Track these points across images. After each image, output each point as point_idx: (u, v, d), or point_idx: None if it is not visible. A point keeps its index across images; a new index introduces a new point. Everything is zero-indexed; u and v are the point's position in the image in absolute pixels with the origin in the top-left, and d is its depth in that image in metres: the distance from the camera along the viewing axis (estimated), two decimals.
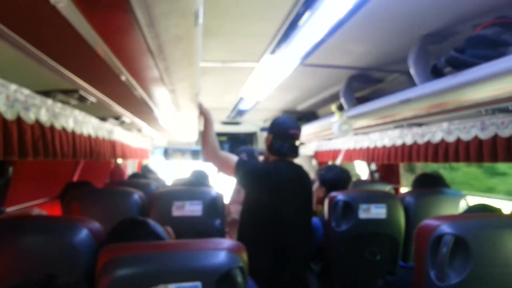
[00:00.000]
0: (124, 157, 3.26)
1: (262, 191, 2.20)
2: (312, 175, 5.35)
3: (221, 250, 1.25)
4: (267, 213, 2.18)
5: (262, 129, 2.72)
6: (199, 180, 2.95)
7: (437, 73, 1.73)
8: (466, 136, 2.26)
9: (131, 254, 1.22)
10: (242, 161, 2.29)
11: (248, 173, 2.25)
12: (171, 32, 0.93)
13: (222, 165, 2.35)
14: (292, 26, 1.82)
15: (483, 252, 1.41)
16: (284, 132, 2.29)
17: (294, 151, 2.33)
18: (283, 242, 2.18)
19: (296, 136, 2.32)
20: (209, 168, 5.37)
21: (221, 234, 2.37)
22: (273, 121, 2.41)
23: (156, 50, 1.08)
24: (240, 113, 4.75)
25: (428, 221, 1.53)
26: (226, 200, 2.55)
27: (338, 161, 4.00)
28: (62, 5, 0.77)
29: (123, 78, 1.45)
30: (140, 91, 1.78)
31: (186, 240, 1.33)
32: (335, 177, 2.62)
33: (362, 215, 2.27)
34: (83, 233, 1.41)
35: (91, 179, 3.08)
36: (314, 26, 1.81)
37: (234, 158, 2.32)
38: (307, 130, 3.88)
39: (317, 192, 2.68)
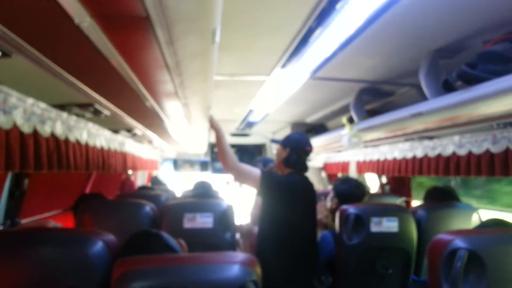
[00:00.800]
0: (134, 168, 3.29)
1: (283, 201, 2.33)
2: (321, 187, 5.34)
3: (235, 264, 1.26)
4: (285, 222, 2.31)
5: (272, 141, 2.75)
6: (208, 191, 2.96)
7: (448, 87, 1.73)
8: (477, 150, 2.26)
9: (146, 267, 1.23)
10: (266, 173, 2.40)
11: (273, 184, 2.34)
12: (189, 50, 0.96)
13: (245, 177, 2.39)
14: (303, 41, 1.84)
15: (497, 267, 1.40)
16: (301, 148, 2.46)
17: (306, 166, 2.50)
18: (297, 248, 2.32)
19: (310, 153, 2.51)
20: (214, 180, 5.40)
21: (232, 246, 2.38)
22: (290, 136, 2.55)
23: (173, 66, 1.10)
24: (250, 125, 4.77)
25: (442, 236, 1.53)
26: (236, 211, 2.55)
27: (353, 174, 3.97)
28: (86, 24, 0.79)
29: (138, 92, 1.48)
30: (153, 104, 1.81)
31: (199, 253, 1.34)
32: (348, 190, 2.61)
33: (374, 228, 2.26)
34: (98, 246, 1.42)
35: (103, 191, 3.11)
36: (325, 41, 1.83)
37: (256, 169, 2.41)
38: (317, 142, 3.88)
39: (330, 203, 2.68)
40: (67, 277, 1.38)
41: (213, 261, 1.28)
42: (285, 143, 2.50)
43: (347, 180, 2.72)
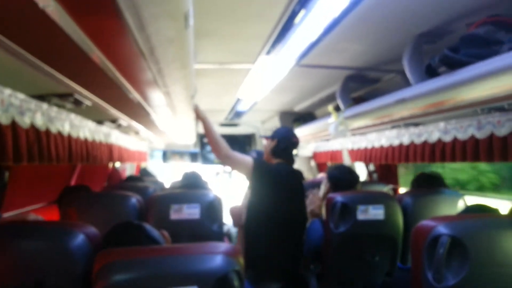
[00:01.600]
0: (121, 160, 3.25)
1: (272, 188, 2.42)
2: (311, 176, 5.35)
3: (218, 254, 1.24)
4: (273, 207, 2.40)
5: (261, 136, 2.83)
6: (197, 182, 2.94)
7: (431, 72, 1.73)
8: (462, 136, 2.25)
9: (127, 259, 1.21)
10: (258, 160, 2.49)
11: (264, 171, 2.44)
12: (162, 35, 0.93)
13: (237, 164, 2.45)
14: (287, 26, 1.82)
15: (480, 252, 1.40)
16: (289, 138, 2.60)
17: (292, 157, 2.65)
18: (283, 233, 2.42)
19: (297, 145, 2.66)
20: (203, 170, 5.38)
21: (219, 237, 2.36)
22: (278, 130, 2.68)
23: (148, 53, 1.07)
24: (238, 114, 4.75)
25: (425, 222, 1.53)
26: (225, 203, 2.54)
27: (346, 161, 3.97)
28: (51, 9, 0.76)
29: (117, 81, 1.45)
30: (135, 94, 1.78)
31: (182, 244, 1.33)
32: (340, 175, 2.64)
33: (360, 216, 2.26)
34: (79, 238, 1.40)
35: (89, 183, 3.07)
36: (309, 26, 1.81)
37: (249, 157, 2.48)
38: (305, 131, 3.87)
39: (324, 187, 2.71)
40: (49, 270, 1.37)
41: (195, 252, 1.26)
42: (273, 135, 2.64)
43: (340, 167, 2.76)
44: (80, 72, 1.41)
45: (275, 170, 2.50)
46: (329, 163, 4.96)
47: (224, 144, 2.42)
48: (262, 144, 5.37)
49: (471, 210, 1.78)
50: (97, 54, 1.12)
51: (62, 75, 1.43)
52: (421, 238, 1.50)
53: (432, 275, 1.43)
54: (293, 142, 2.63)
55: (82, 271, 1.37)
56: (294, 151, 2.65)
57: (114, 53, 1.12)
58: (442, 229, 1.44)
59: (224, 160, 2.44)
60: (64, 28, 0.88)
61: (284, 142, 2.59)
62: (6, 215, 2.19)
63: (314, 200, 2.85)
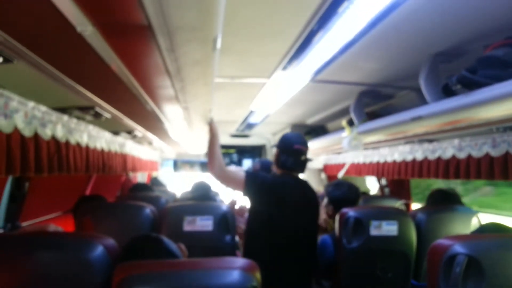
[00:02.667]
0: (134, 170, 3.29)
1: (268, 203, 2.28)
2: (321, 188, 5.34)
3: (235, 269, 1.26)
4: (273, 223, 2.26)
5: (273, 146, 2.71)
6: (206, 193, 2.96)
7: (448, 91, 1.74)
8: (477, 153, 2.26)
9: (147, 272, 1.23)
10: (250, 174, 2.34)
11: (256, 185, 2.30)
12: (190, 57, 0.96)
13: (230, 181, 2.36)
14: (304, 44, 1.84)
15: (496, 272, 1.40)
16: (289, 147, 2.39)
17: (299, 166, 2.42)
18: (287, 253, 2.26)
19: (301, 151, 2.40)
20: (213, 180, 5.39)
21: (232, 249, 2.38)
22: (281, 137, 2.50)
23: (174, 72, 1.11)
24: (250, 126, 4.77)
25: (441, 241, 1.53)
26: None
27: (340, 175, 3.99)
28: (88, 33, 0.79)
29: (139, 96, 1.49)
30: (154, 108, 1.82)
31: (200, 258, 1.34)
32: (342, 195, 2.61)
33: (374, 231, 2.26)
34: (99, 250, 1.42)
35: (103, 192, 3.11)
36: (326, 45, 1.83)
37: (241, 172, 2.36)
38: (317, 144, 3.88)
39: (325, 209, 2.69)
40: (68, 281, 1.38)
41: (214, 267, 1.28)
42: (277, 144, 2.48)
43: (339, 185, 2.72)
44: (104, 87, 1.44)
45: (271, 182, 2.33)
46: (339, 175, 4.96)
47: (221, 161, 2.36)
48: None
49: (486, 229, 1.77)
50: (123, 72, 1.15)
51: (84, 89, 1.46)
52: (438, 257, 1.50)
53: None
54: (295, 150, 2.37)
55: (101, 283, 1.39)
56: (302, 158, 2.40)
57: (140, 71, 1.15)
58: (459, 248, 1.44)
59: (216, 175, 2.36)
60: (96, 49, 0.91)
61: (286, 152, 2.39)
62: (25, 224, 2.22)
63: (320, 214, 2.83)
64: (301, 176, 2.50)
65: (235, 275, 1.24)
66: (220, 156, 2.39)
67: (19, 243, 1.43)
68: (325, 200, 2.69)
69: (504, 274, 1.41)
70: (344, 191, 2.64)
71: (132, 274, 1.23)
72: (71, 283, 1.38)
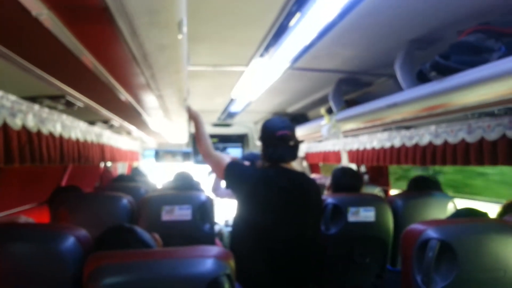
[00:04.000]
0: (113, 160, 3.24)
1: (247, 196, 2.07)
2: None
3: (208, 258, 1.25)
4: (253, 220, 2.04)
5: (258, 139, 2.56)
6: (189, 183, 2.94)
7: (422, 78, 1.74)
8: (453, 139, 2.29)
9: (118, 262, 1.22)
10: (232, 164, 2.17)
11: (236, 176, 2.13)
12: (155, 42, 0.93)
13: (214, 166, 2.28)
14: (281, 30, 1.82)
15: (469, 256, 1.43)
16: (271, 135, 2.11)
17: (289, 154, 2.12)
18: (274, 254, 2.01)
19: (286, 137, 2.09)
20: (195, 170, 5.38)
21: (211, 237, 2.37)
22: (262, 126, 2.23)
23: (141, 59, 1.08)
24: (231, 115, 4.75)
25: (414, 226, 1.55)
26: (216, 203, 2.54)
27: (344, 163, 4.00)
28: (45, 17, 0.76)
29: (109, 84, 1.45)
30: (127, 97, 1.78)
31: (173, 248, 1.33)
32: (341, 179, 2.62)
33: (351, 218, 2.28)
34: (70, 241, 1.40)
35: (80, 183, 3.06)
36: (303, 31, 1.81)
37: (226, 159, 2.21)
38: (298, 133, 3.88)
39: (326, 191, 2.71)
40: (39, 273, 1.36)
41: (186, 255, 1.27)
42: (259, 136, 2.23)
43: (345, 169, 2.72)
44: (72, 75, 1.40)
45: (251, 175, 2.09)
46: (321, 164, 4.99)
47: (208, 144, 2.32)
48: (254, 141, 5.34)
49: (460, 214, 1.80)
50: (89, 58, 1.12)
51: (53, 78, 1.42)
52: (411, 242, 1.51)
53: (421, 278, 1.45)
54: (278, 137, 2.08)
55: (72, 274, 1.37)
56: (291, 143, 2.10)
57: (106, 57, 1.12)
58: (431, 233, 1.46)
59: (204, 158, 2.34)
60: (56, 34, 0.88)
61: (269, 142, 2.12)
62: None
63: None
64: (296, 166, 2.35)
65: (208, 264, 1.24)
66: (206, 139, 2.35)
67: None
68: (329, 182, 2.70)
69: (476, 258, 1.44)
70: (344, 174, 2.66)
71: (103, 264, 1.21)
72: (42, 275, 1.36)
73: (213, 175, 2.71)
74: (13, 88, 1.48)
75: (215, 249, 1.32)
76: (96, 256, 1.26)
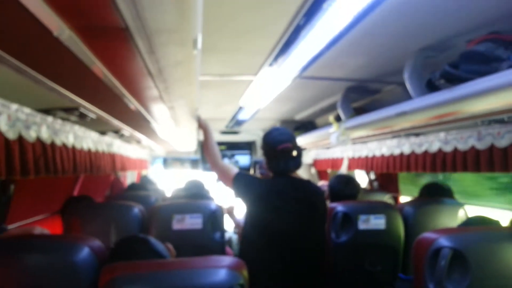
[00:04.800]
0: (123, 169, 3.27)
1: (256, 206, 2.13)
2: None
3: (222, 268, 1.26)
4: (267, 229, 2.09)
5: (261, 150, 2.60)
6: (199, 192, 2.96)
7: (432, 87, 1.75)
8: (463, 146, 2.29)
9: (133, 273, 1.23)
10: (240, 174, 2.24)
11: (245, 186, 2.19)
12: (171, 58, 0.96)
13: (222, 175, 2.33)
14: (290, 41, 1.85)
15: (481, 265, 1.43)
16: (272, 150, 2.18)
17: (292, 165, 2.18)
18: (281, 258, 2.07)
19: (288, 150, 2.15)
20: (206, 178, 5.41)
21: (221, 247, 2.38)
22: (263, 139, 2.30)
23: (156, 73, 1.10)
24: (239, 123, 4.77)
25: (427, 234, 1.55)
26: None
27: (342, 170, 4.01)
28: (65, 37, 0.79)
29: (122, 97, 1.47)
30: (139, 108, 1.80)
31: (187, 258, 1.34)
32: (338, 187, 2.66)
33: (362, 226, 2.28)
34: (85, 252, 1.41)
35: (91, 193, 3.09)
36: (312, 41, 1.83)
37: (234, 169, 2.27)
38: (306, 140, 3.90)
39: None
40: (55, 284, 1.38)
41: (200, 266, 1.28)
42: (262, 148, 2.30)
43: (339, 177, 2.76)
44: (87, 88, 1.43)
45: (259, 186, 2.15)
46: (329, 171, 4.99)
47: (216, 153, 2.37)
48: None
49: (472, 222, 1.80)
50: (104, 73, 1.14)
51: (68, 91, 1.45)
52: (423, 250, 1.52)
53: (434, 286, 1.46)
54: (280, 151, 2.15)
55: (88, 285, 1.39)
56: (293, 154, 2.15)
57: (121, 72, 1.14)
58: (443, 241, 1.46)
59: (212, 168, 2.40)
60: (74, 51, 0.90)
61: (271, 156, 2.20)
62: (11, 227, 2.20)
63: None
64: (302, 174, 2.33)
65: (222, 274, 1.25)
66: (214, 149, 2.40)
67: (4, 246, 1.42)
68: (327, 191, 2.72)
69: (489, 266, 1.44)
70: (340, 184, 2.68)
71: (119, 275, 1.23)
72: (58, 285, 1.38)
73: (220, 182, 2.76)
74: (28, 100, 1.51)
75: (228, 259, 1.33)
76: (111, 267, 1.28)
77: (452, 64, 1.58)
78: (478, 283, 1.41)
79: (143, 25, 0.74)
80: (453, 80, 1.58)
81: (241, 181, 2.21)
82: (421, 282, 1.50)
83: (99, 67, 1.05)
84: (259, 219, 2.11)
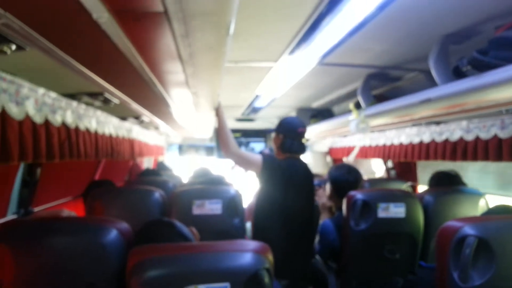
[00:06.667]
0: (141, 155, 3.30)
1: (281, 185, 2.41)
2: (326, 171, 5.36)
3: (248, 252, 1.28)
4: (279, 204, 2.40)
5: (270, 131, 2.82)
6: (219, 179, 2.98)
7: (459, 73, 1.73)
8: (485, 135, 2.26)
9: (161, 256, 1.25)
10: (268, 157, 2.48)
11: (274, 167, 2.43)
12: (204, 42, 0.96)
13: (246, 162, 2.48)
14: (313, 27, 1.83)
15: (507, 253, 1.42)
16: (294, 131, 2.53)
17: (303, 148, 2.57)
18: (294, 230, 2.43)
19: (303, 134, 2.56)
20: (219, 164, 5.42)
21: (241, 232, 2.40)
22: (282, 122, 2.62)
23: (186, 58, 1.10)
24: (255, 110, 4.77)
25: (451, 223, 1.54)
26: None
27: (351, 158, 4.00)
28: (104, 20, 0.79)
29: (149, 81, 1.49)
30: (163, 93, 1.82)
31: (213, 242, 1.36)
32: (340, 176, 2.65)
33: (381, 214, 2.27)
34: (113, 234, 1.44)
35: (111, 177, 3.14)
36: (335, 27, 1.81)
37: (257, 155, 2.48)
38: (322, 127, 3.88)
39: (328, 189, 2.73)
40: (83, 265, 1.41)
41: (227, 249, 1.30)
42: (278, 129, 2.59)
43: (340, 167, 2.78)
44: (114, 72, 1.44)
45: (284, 166, 2.46)
46: (345, 159, 4.97)
47: (233, 142, 2.47)
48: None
49: (495, 211, 1.78)
50: (135, 57, 1.15)
51: (96, 75, 1.46)
52: (447, 238, 1.51)
53: (458, 274, 1.45)
54: (299, 133, 2.53)
55: (115, 266, 1.41)
56: (303, 140, 2.56)
57: (152, 57, 1.15)
58: (468, 230, 1.46)
59: (232, 157, 2.49)
60: (111, 36, 0.91)
61: (290, 136, 2.52)
62: (37, 209, 2.25)
63: (322, 195, 2.95)
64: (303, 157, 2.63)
65: (248, 258, 1.26)
66: (232, 138, 2.48)
67: (35, 228, 1.45)
68: (328, 181, 2.72)
69: None
70: (342, 173, 2.68)
71: (147, 257, 1.24)
72: (87, 267, 1.41)
73: (236, 168, 2.85)
74: (55, 85, 1.53)
75: (253, 243, 1.34)
76: (139, 249, 1.30)
77: (481, 50, 1.55)
78: (503, 272, 1.40)
79: (182, 8, 0.74)
80: (481, 67, 1.55)
81: (271, 163, 2.44)
82: (445, 270, 1.50)
83: (131, 51, 1.06)
84: (279, 197, 2.40)
